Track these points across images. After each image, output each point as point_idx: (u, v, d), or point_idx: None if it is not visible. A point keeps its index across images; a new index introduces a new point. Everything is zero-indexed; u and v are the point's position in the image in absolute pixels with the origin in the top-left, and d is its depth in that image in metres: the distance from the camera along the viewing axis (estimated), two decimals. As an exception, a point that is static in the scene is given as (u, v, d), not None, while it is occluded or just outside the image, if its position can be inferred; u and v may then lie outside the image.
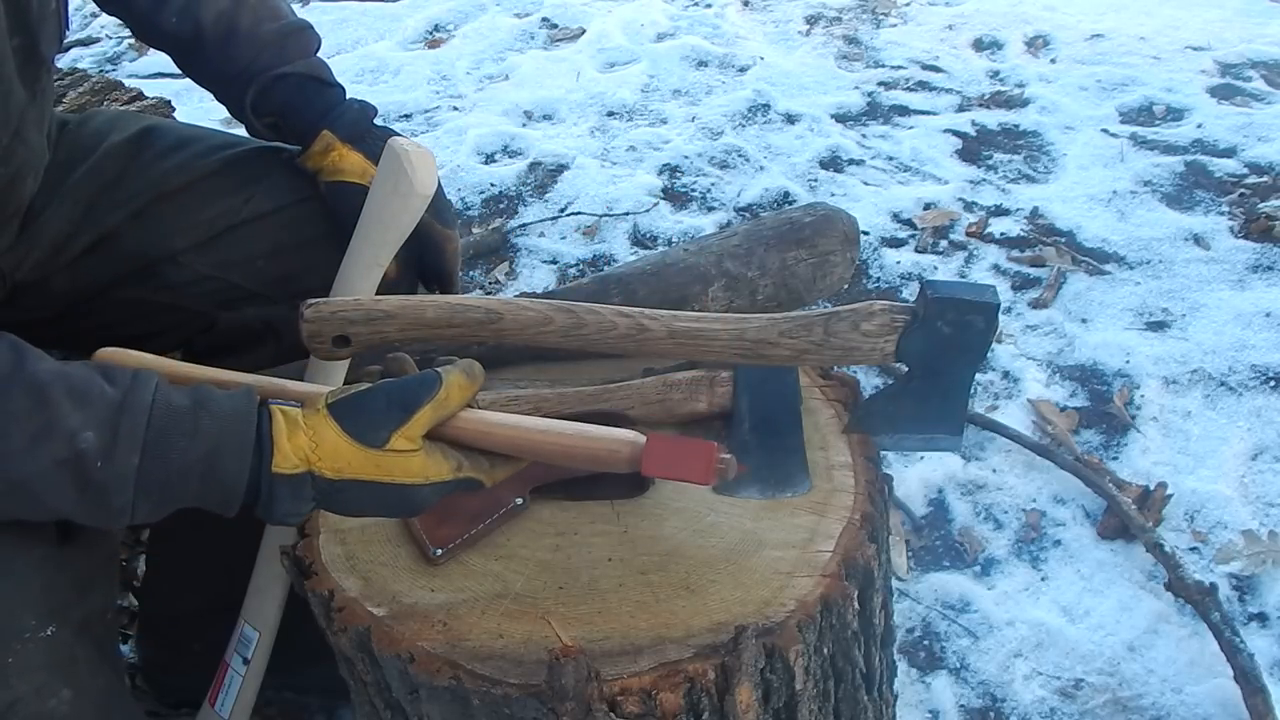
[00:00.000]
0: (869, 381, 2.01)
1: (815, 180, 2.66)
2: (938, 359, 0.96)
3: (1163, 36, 3.20)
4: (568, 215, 2.58)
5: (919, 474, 1.87)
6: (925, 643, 1.62)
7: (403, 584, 0.97)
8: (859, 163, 2.73)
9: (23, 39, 1.06)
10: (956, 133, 2.82)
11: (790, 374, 1.12)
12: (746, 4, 3.59)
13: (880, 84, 3.07)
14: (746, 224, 1.47)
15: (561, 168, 2.76)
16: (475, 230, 2.55)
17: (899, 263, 2.36)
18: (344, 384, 1.00)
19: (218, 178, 1.29)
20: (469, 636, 0.91)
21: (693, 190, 2.65)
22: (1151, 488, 1.81)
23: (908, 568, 1.72)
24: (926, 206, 2.55)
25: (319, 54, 1.30)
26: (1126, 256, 2.34)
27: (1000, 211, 2.53)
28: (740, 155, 2.76)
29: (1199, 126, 2.75)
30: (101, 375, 0.82)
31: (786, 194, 2.60)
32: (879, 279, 2.34)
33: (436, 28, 3.51)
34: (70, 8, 1.20)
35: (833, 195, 2.60)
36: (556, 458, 0.88)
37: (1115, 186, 2.55)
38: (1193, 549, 1.72)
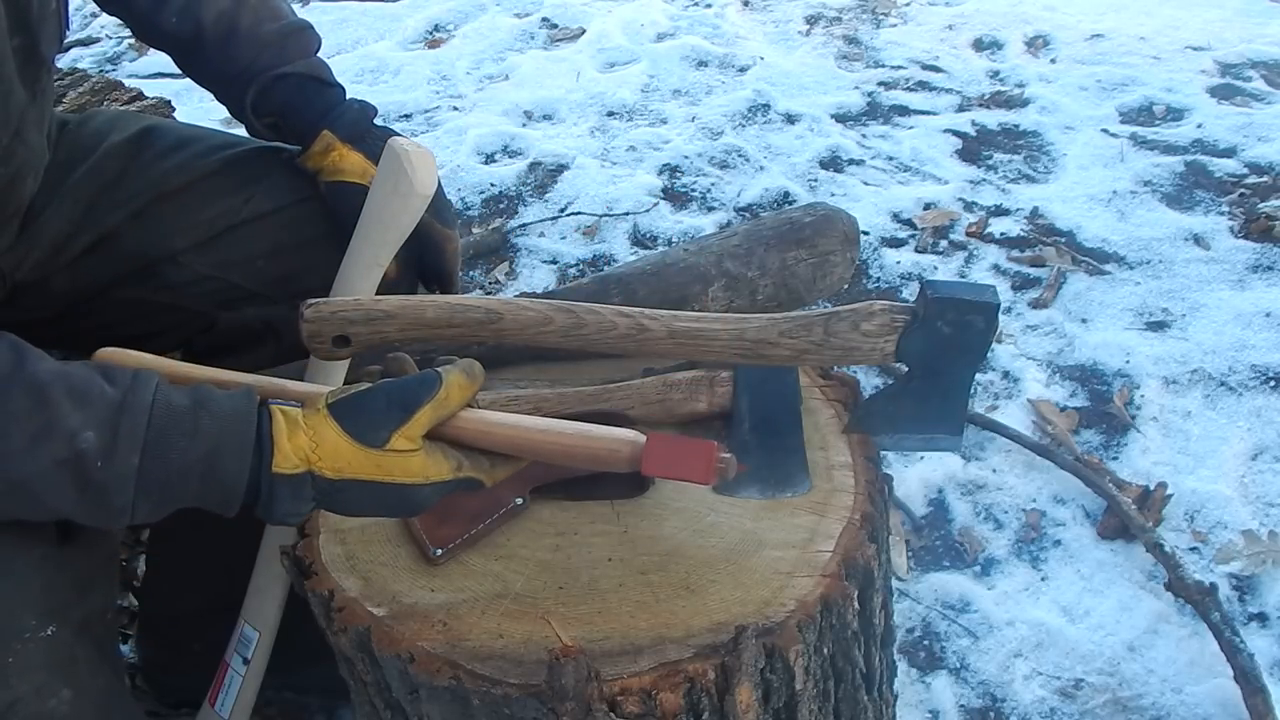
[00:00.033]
0: (869, 381, 2.01)
1: (815, 180, 2.66)
2: (938, 359, 0.96)
3: (1163, 36, 3.20)
4: (568, 215, 2.58)
5: (919, 474, 1.87)
6: (925, 643, 1.62)
7: (403, 584, 0.97)
8: (859, 163, 2.73)
9: (23, 39, 1.06)
10: (956, 133, 2.82)
11: (790, 374, 1.12)
12: (746, 4, 3.59)
13: (880, 84, 3.07)
14: (746, 224, 1.47)
15: (561, 168, 2.76)
16: (475, 230, 2.55)
17: (899, 263, 2.36)
18: (344, 384, 1.00)
19: (218, 178, 1.29)
20: (469, 636, 0.91)
21: (693, 190, 2.66)
22: (1151, 488, 1.81)
23: (908, 568, 1.72)
24: (926, 206, 2.55)
25: (319, 54, 1.30)
26: (1126, 256, 2.34)
27: (1000, 211, 2.53)
28: (740, 155, 2.76)
29: (1199, 126, 2.75)
30: (102, 375, 0.82)
31: (786, 194, 2.60)
32: (879, 279, 2.34)
33: (436, 28, 3.51)
34: (70, 8, 1.20)
35: (833, 195, 2.60)
36: (557, 457, 0.88)
37: (1115, 186, 2.55)
38: (1193, 549, 1.72)
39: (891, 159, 2.74)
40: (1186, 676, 1.54)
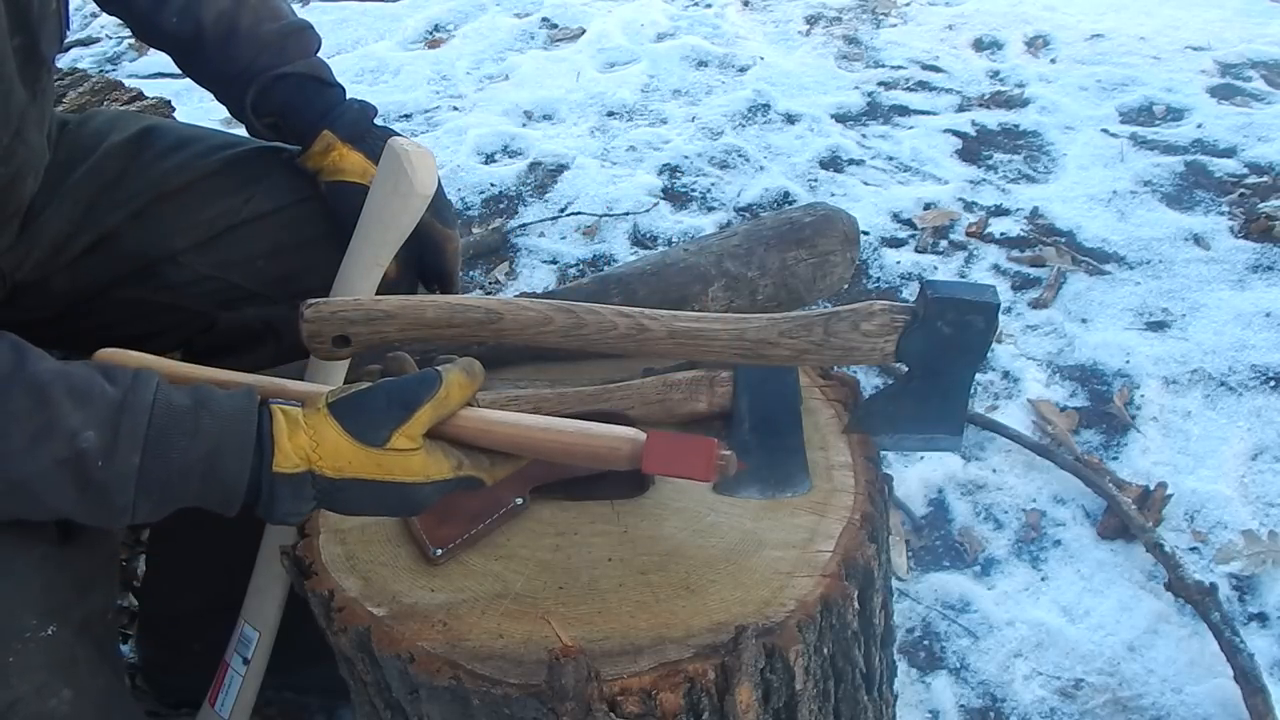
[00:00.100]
0: (869, 381, 2.01)
1: (815, 180, 2.66)
2: (938, 359, 0.96)
3: (1163, 36, 3.20)
4: (568, 215, 2.58)
5: (919, 474, 1.87)
6: (925, 643, 1.62)
7: (403, 584, 0.97)
8: (859, 163, 2.73)
9: (23, 39, 1.06)
10: (956, 133, 2.82)
11: (790, 374, 1.12)
12: (746, 4, 3.59)
13: (880, 84, 3.07)
14: (746, 224, 1.47)
15: (561, 168, 2.76)
16: (475, 230, 2.55)
17: (899, 263, 2.36)
18: (344, 383, 0.99)
19: (218, 178, 1.29)
20: (469, 636, 0.91)
21: (693, 190, 2.66)
22: (1151, 488, 1.81)
23: (908, 568, 1.72)
24: (926, 206, 2.55)
25: (319, 54, 1.30)
26: (1126, 256, 2.34)
27: (1000, 211, 2.53)
28: (740, 155, 2.76)
29: (1199, 126, 2.75)
30: (102, 375, 0.82)
31: (786, 194, 2.60)
32: (879, 279, 2.34)
33: (436, 28, 3.51)
34: (70, 8, 1.20)
35: (833, 195, 2.60)
36: (557, 455, 0.88)
37: (1115, 186, 2.55)
38: (1193, 549, 1.72)
39: (891, 159, 2.74)
40: (1186, 676, 1.54)
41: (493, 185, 2.71)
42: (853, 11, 3.49)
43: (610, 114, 2.98)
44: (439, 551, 0.98)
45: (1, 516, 0.82)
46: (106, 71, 3.28)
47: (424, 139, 2.88)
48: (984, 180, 2.64)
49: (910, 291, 2.29)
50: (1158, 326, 2.15)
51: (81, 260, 1.24)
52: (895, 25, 3.40)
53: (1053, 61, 3.12)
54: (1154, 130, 2.77)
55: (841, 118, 2.92)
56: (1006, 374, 2.07)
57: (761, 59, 3.21)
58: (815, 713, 0.95)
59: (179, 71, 1.32)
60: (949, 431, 1.01)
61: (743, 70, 3.17)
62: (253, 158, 1.31)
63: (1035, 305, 2.23)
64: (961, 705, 1.54)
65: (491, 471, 0.89)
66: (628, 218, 2.55)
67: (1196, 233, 2.38)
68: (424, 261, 1.26)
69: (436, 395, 0.85)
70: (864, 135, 2.85)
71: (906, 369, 0.99)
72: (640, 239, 2.50)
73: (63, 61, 3.15)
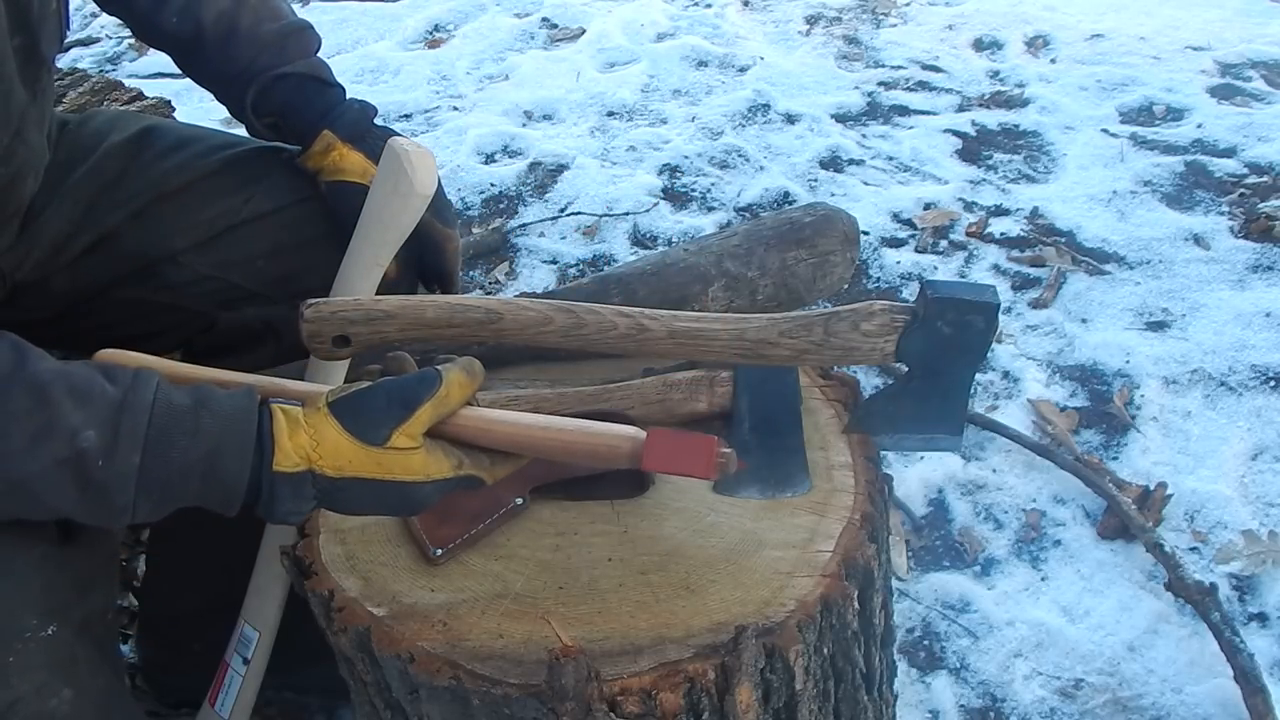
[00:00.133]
0: (869, 381, 2.01)
1: (815, 180, 2.66)
2: (938, 359, 0.96)
3: (1163, 36, 3.20)
4: (568, 215, 2.58)
5: (919, 474, 1.87)
6: (925, 643, 1.62)
7: (403, 584, 0.97)
8: (859, 163, 2.73)
9: (23, 39, 1.06)
10: (956, 133, 2.82)
11: (790, 374, 1.12)
12: (746, 4, 3.59)
13: (880, 84, 3.07)
14: (746, 224, 1.47)
15: (561, 168, 2.76)
16: (475, 230, 2.55)
17: (899, 263, 2.36)
18: (344, 383, 0.99)
19: (218, 178, 1.29)
20: (469, 636, 0.91)
21: (693, 190, 2.66)
22: (1151, 488, 1.81)
23: (908, 568, 1.72)
24: (926, 206, 2.55)
25: (319, 54, 1.30)
26: (1126, 256, 2.34)
27: (1000, 211, 2.53)
28: (740, 155, 2.76)
29: (1199, 126, 2.75)
30: (102, 375, 0.82)
31: (786, 194, 2.60)
32: (879, 279, 2.34)
33: (436, 28, 3.51)
34: (70, 8, 1.20)
35: (833, 195, 2.60)
36: (557, 454, 0.88)
37: (1115, 186, 2.55)
38: (1193, 549, 1.72)
39: (891, 159, 2.74)
40: (1186, 676, 1.54)
41: (493, 185, 2.71)
42: (853, 11, 3.49)
43: (610, 114, 2.98)
44: (439, 551, 0.98)
45: (1, 516, 0.82)
46: (106, 71, 3.28)
47: (424, 139, 2.88)
48: (984, 180, 2.64)
49: (910, 291, 2.29)
50: (1158, 326, 2.15)
51: (81, 260, 1.24)
52: (895, 25, 3.40)
53: (1053, 61, 3.12)
54: (1154, 130, 2.77)
55: (841, 118, 2.92)
56: (1006, 374, 2.07)
57: (761, 59, 3.21)
58: (815, 713, 0.95)
59: (179, 71, 1.32)
60: (949, 431, 1.01)
61: (743, 70, 3.17)
62: (253, 158, 1.31)
63: (1035, 305, 2.23)
64: (961, 705, 1.54)
65: (491, 471, 0.89)
66: (628, 218, 2.55)
67: (1196, 233, 2.38)
68: (424, 261, 1.26)
69: (436, 394, 0.85)
70: (864, 135, 2.85)
71: (906, 369, 0.99)
72: (640, 239, 2.50)
73: (63, 61, 3.15)
